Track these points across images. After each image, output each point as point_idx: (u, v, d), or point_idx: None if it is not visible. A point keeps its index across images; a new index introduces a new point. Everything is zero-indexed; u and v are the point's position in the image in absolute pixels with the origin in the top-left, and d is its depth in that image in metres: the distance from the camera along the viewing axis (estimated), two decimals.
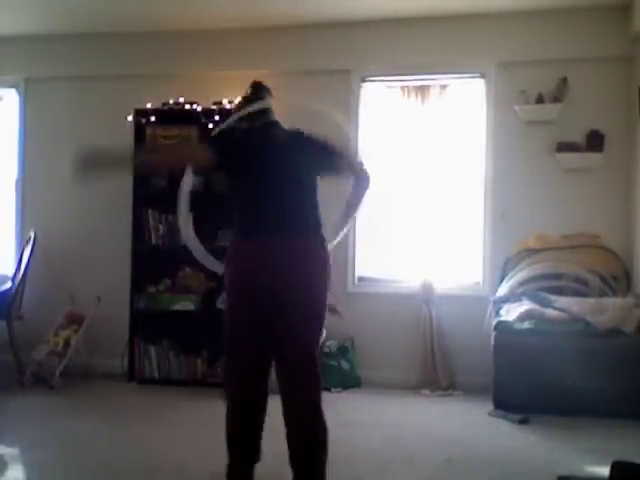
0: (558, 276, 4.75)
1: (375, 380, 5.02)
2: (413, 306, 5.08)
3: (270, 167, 2.72)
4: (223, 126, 2.98)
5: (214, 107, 5.14)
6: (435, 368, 4.98)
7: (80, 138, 5.65)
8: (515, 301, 4.59)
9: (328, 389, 4.89)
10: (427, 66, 5.18)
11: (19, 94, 5.79)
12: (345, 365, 5.02)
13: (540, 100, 4.96)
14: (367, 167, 2.87)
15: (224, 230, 4.87)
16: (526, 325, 4.32)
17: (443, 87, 5.22)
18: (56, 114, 5.72)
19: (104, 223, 5.54)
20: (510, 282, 4.76)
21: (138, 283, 5.17)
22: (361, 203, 2.87)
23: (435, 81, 5.21)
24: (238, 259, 2.65)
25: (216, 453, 2.99)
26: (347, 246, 5.27)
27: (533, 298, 4.53)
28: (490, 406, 4.32)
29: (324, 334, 2.72)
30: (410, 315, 5.09)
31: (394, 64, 5.23)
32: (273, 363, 2.71)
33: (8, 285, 5.18)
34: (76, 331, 5.12)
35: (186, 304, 5.06)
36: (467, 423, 4.13)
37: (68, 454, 3.41)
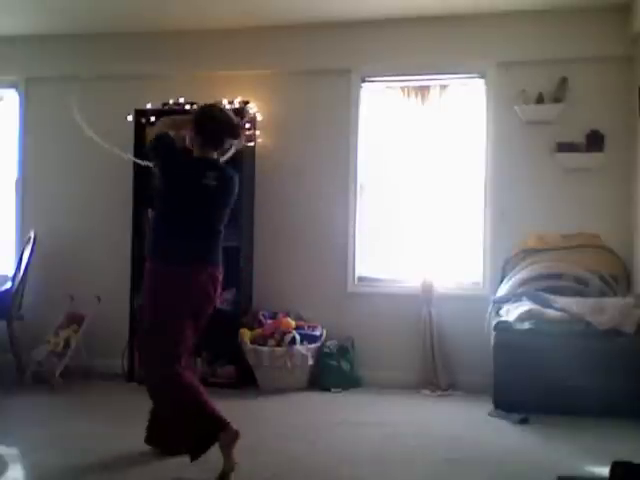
0: (558, 276, 4.75)
1: (375, 380, 5.02)
2: (413, 306, 5.08)
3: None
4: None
5: None
6: (435, 368, 4.98)
7: (80, 138, 5.66)
8: (515, 301, 4.59)
9: (328, 389, 4.91)
10: (427, 66, 5.18)
11: (19, 94, 5.79)
12: (345, 365, 5.02)
13: (540, 100, 4.96)
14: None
15: None
16: (526, 325, 4.32)
17: (443, 87, 5.22)
18: (56, 114, 5.71)
19: (104, 223, 5.55)
20: (510, 282, 4.77)
21: (138, 283, 5.15)
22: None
23: (435, 81, 5.21)
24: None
25: (215, 452, 3.00)
26: (347, 246, 5.28)
27: (533, 298, 4.53)
28: (490, 406, 4.32)
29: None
30: (410, 315, 5.09)
31: (394, 64, 5.23)
32: None
33: (8, 285, 5.18)
34: (76, 331, 5.12)
35: None
36: (467, 423, 4.13)
37: (68, 454, 3.40)
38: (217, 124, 3.26)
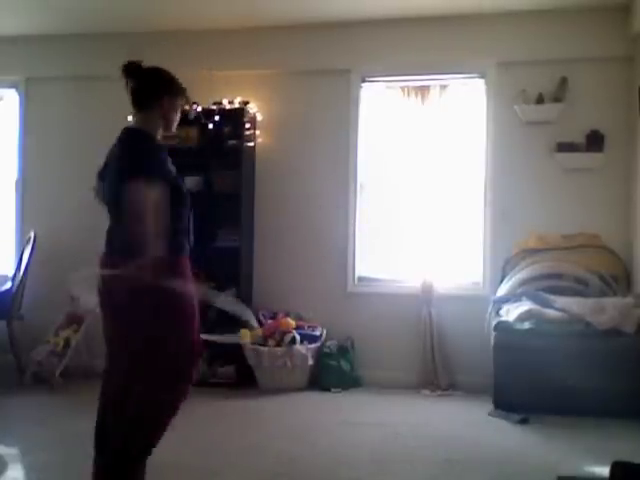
0: (558, 276, 4.75)
1: (375, 380, 5.01)
2: (413, 306, 5.08)
3: None
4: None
5: (214, 107, 5.15)
6: (435, 368, 4.98)
7: (80, 138, 5.67)
8: (515, 301, 4.59)
9: (328, 389, 4.90)
10: (427, 66, 5.18)
11: (19, 94, 5.79)
12: (345, 365, 5.02)
13: (540, 100, 4.96)
14: None
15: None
16: (526, 325, 4.32)
17: (443, 87, 5.21)
18: (56, 114, 5.72)
19: (104, 223, 5.52)
20: (510, 282, 4.76)
21: None
22: None
23: (435, 81, 5.21)
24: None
25: (214, 452, 3.00)
26: (347, 246, 5.28)
27: (533, 298, 4.53)
28: (490, 406, 4.32)
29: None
30: (410, 315, 5.09)
31: (394, 64, 5.23)
32: None
33: (8, 285, 5.18)
34: (76, 331, 5.12)
35: None
36: (467, 423, 4.13)
37: (68, 454, 3.40)
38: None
